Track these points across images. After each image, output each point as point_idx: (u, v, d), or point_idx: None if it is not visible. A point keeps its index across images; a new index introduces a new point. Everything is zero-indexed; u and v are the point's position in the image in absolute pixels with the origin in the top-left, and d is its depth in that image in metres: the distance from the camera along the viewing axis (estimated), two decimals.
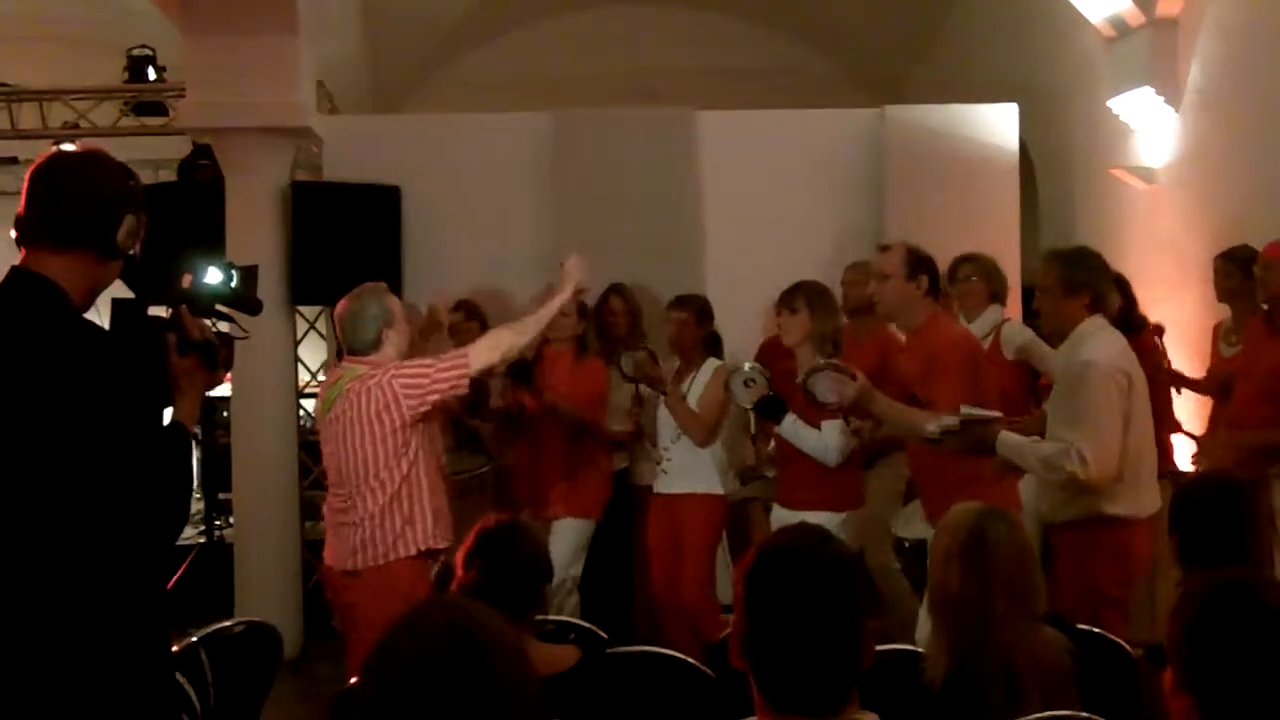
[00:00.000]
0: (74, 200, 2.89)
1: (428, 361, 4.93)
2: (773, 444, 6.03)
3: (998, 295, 6.70)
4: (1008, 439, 4.71)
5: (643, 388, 6.57)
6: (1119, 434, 4.70)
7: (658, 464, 6.60)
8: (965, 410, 4.76)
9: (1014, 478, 5.11)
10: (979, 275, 6.71)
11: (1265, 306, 5.97)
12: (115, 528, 2.74)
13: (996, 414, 4.79)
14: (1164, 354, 6.99)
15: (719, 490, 6.47)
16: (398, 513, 4.89)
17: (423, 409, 4.88)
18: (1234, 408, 5.97)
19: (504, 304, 7.69)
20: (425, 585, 4.92)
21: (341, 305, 5.11)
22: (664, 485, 6.56)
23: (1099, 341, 4.82)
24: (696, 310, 6.57)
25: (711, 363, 6.51)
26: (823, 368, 5.20)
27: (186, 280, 3.27)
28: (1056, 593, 4.75)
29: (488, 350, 5.00)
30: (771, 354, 6.56)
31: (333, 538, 5.06)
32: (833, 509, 5.63)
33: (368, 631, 4.64)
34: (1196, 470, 6.02)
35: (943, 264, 7.27)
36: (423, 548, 4.93)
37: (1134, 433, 4.77)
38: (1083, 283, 4.87)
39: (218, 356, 3.11)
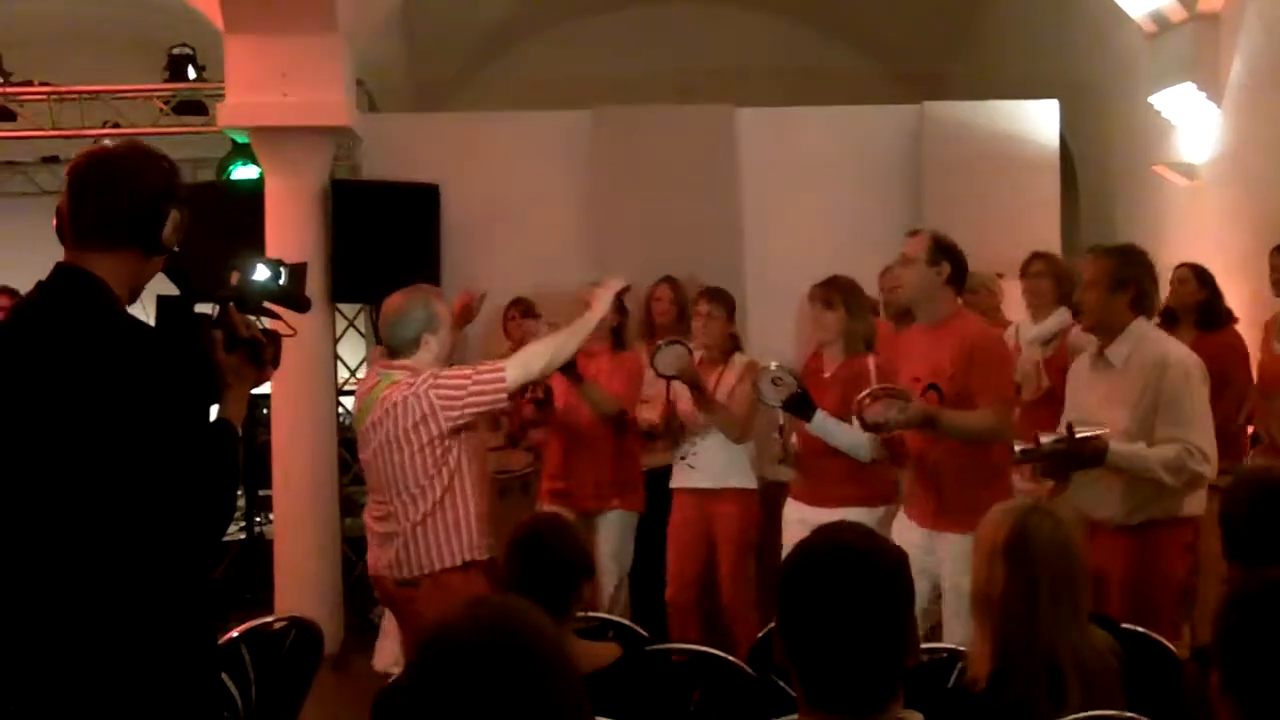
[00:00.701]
0: (121, 199, 2.89)
1: (466, 371, 4.75)
2: (795, 439, 5.96)
3: (1067, 296, 6.58)
4: (1120, 449, 4.63)
5: (675, 384, 6.45)
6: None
7: (682, 458, 6.58)
8: (1080, 428, 4.68)
9: (1007, 479, 5.07)
10: (1048, 274, 6.64)
11: None
12: (161, 524, 2.76)
13: (1105, 429, 4.73)
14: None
15: (752, 485, 6.45)
16: (440, 523, 4.74)
17: (461, 421, 4.71)
18: None
19: (543, 302, 7.70)
20: (459, 598, 4.77)
21: (389, 301, 4.94)
22: (692, 480, 6.52)
23: (1171, 340, 4.82)
24: (728, 306, 6.55)
25: (739, 357, 6.49)
26: (877, 393, 5.06)
27: (235, 277, 3.28)
28: (1113, 595, 4.72)
29: (526, 364, 4.84)
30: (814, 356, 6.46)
31: (375, 545, 4.93)
32: (869, 504, 5.61)
33: None
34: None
35: (981, 263, 7.28)
36: (467, 558, 4.77)
37: None
38: (1128, 279, 4.82)
39: (264, 354, 3.12)
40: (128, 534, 2.73)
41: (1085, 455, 4.64)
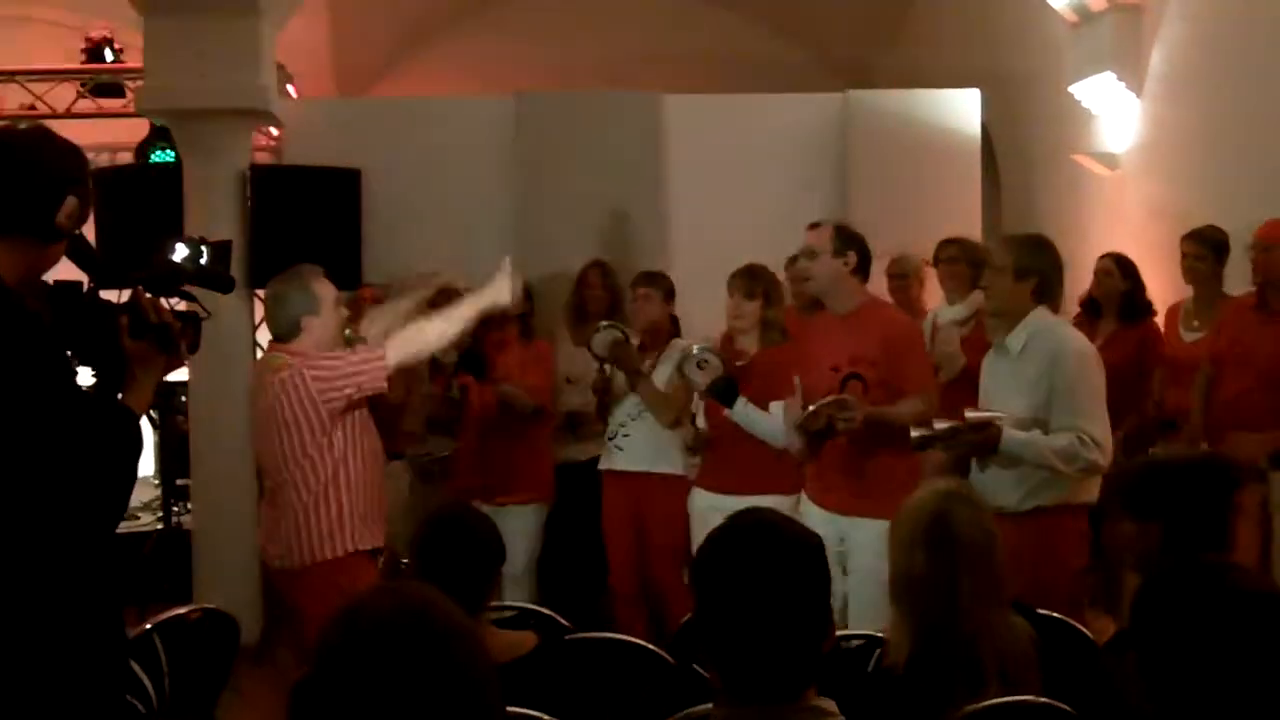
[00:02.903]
0: (14, 182, 2.81)
1: (340, 355, 4.74)
2: (704, 426, 5.98)
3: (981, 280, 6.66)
4: (1014, 436, 4.69)
5: (608, 367, 6.45)
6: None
7: (610, 439, 6.56)
8: (971, 414, 4.73)
9: (916, 466, 5.08)
10: (962, 258, 6.71)
11: (1255, 289, 5.93)
12: (50, 516, 2.67)
13: (1000, 414, 4.77)
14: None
15: (680, 471, 6.43)
16: (323, 514, 4.75)
17: (338, 404, 4.69)
18: (1229, 393, 5.90)
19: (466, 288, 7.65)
20: (369, 580, 4.78)
21: (268, 286, 4.95)
22: (620, 462, 6.50)
23: (1068, 329, 4.84)
24: (666, 289, 6.55)
25: (677, 342, 6.48)
26: (821, 412, 4.99)
27: (156, 257, 3.20)
28: (1020, 581, 4.77)
29: (406, 346, 4.82)
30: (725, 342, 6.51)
31: (265, 534, 4.98)
32: (783, 491, 5.61)
33: (311, 630, 4.59)
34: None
35: (904, 246, 7.32)
36: (350, 549, 4.77)
37: None
38: (1032, 269, 4.87)
39: (175, 338, 3.03)
40: (14, 526, 2.64)
41: (979, 441, 4.70)
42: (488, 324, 6.55)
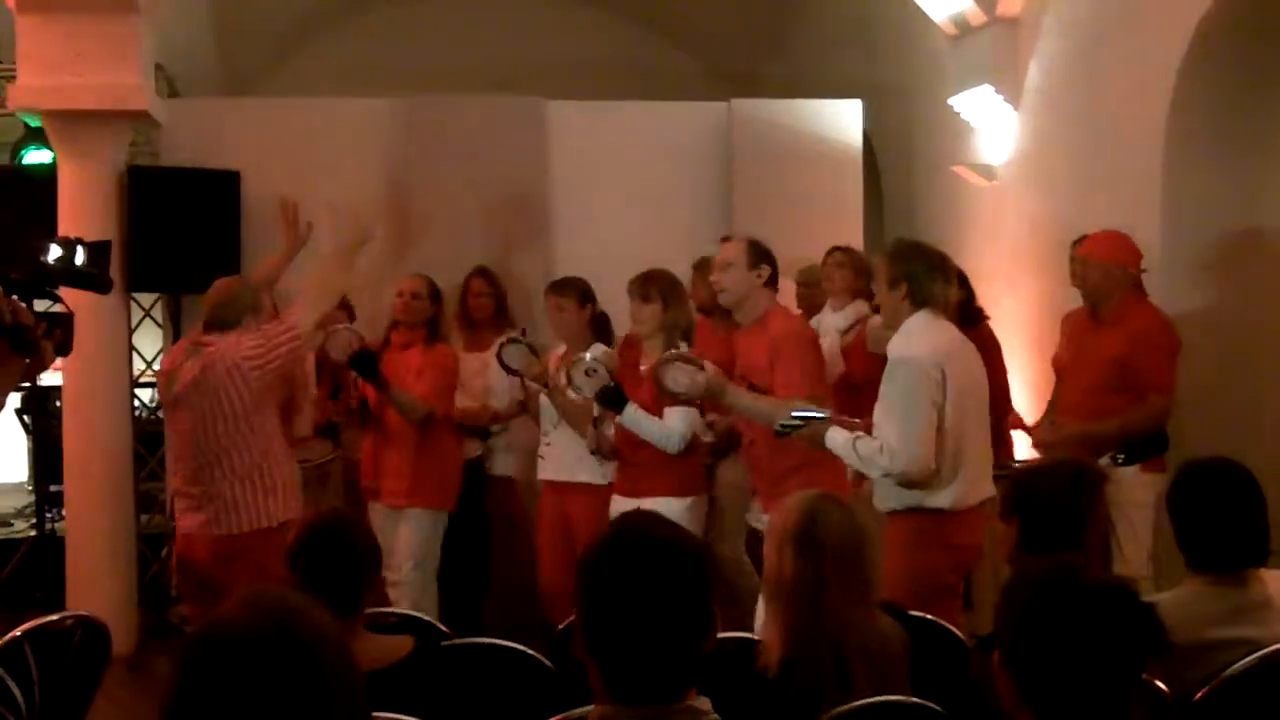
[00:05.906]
0: None
1: (259, 332, 5.18)
2: (612, 431, 6.02)
3: (865, 290, 6.74)
4: (834, 436, 4.80)
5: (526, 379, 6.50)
6: (930, 428, 4.71)
7: (539, 451, 6.56)
8: (798, 408, 4.86)
9: (829, 468, 5.17)
10: (846, 266, 6.80)
11: (1087, 300, 6.08)
12: None
13: (826, 413, 4.87)
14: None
15: (602, 480, 6.39)
16: (259, 485, 5.17)
17: (268, 377, 5.14)
18: (1065, 399, 6.07)
19: (350, 292, 7.58)
20: (279, 559, 4.79)
21: (219, 283, 5.40)
22: (548, 472, 6.47)
23: (916, 337, 4.87)
24: (578, 294, 6.44)
25: (597, 348, 6.45)
26: (672, 358, 5.27)
27: (17, 258, 3.13)
28: (890, 581, 4.83)
29: (308, 310, 5.25)
30: (628, 347, 6.51)
31: (189, 510, 5.26)
32: (677, 494, 5.66)
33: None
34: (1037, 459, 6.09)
35: (788, 254, 7.39)
36: (281, 520, 5.15)
37: (952, 426, 4.77)
38: (901, 275, 4.94)
39: (32, 340, 2.95)
40: None
41: (810, 436, 4.85)
42: (396, 326, 6.59)
